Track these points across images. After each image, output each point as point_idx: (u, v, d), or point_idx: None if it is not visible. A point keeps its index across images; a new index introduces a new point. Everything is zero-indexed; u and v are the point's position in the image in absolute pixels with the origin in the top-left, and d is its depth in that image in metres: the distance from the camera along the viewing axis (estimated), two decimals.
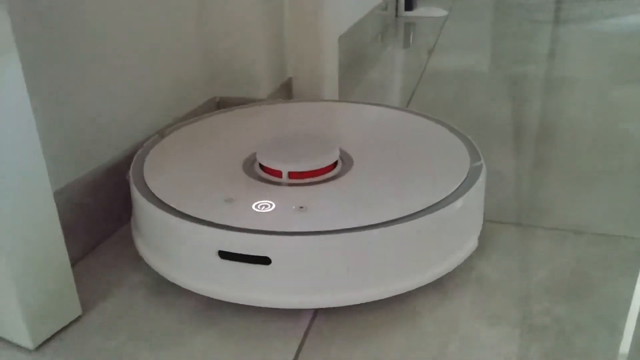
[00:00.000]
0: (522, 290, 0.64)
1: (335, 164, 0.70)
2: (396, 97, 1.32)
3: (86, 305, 0.63)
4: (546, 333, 0.58)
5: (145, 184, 0.66)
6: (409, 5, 2.19)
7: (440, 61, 1.58)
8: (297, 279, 0.57)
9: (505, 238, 0.74)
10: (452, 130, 0.80)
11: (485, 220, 0.73)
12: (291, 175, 0.67)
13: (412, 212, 0.59)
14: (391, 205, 0.61)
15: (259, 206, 0.61)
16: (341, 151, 0.73)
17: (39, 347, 0.58)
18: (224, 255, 0.57)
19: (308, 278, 0.57)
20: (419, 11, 2.21)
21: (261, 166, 0.69)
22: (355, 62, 1.60)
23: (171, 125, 0.88)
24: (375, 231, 0.57)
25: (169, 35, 0.90)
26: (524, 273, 0.67)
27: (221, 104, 1.06)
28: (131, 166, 0.71)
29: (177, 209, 0.60)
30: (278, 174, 0.67)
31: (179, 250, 0.60)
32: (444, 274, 0.63)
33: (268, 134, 0.79)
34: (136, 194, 0.64)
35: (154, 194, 0.64)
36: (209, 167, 0.70)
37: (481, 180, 0.67)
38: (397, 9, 2.18)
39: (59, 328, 0.60)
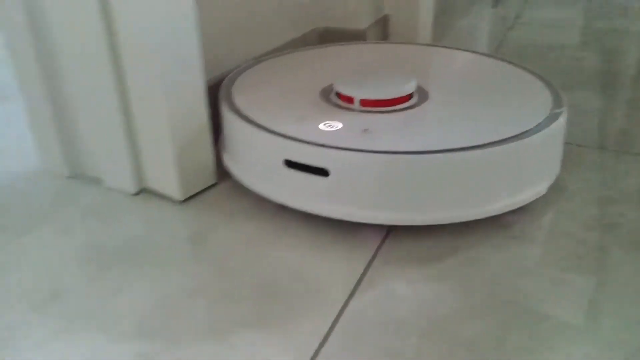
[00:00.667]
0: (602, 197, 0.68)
1: (410, 97, 0.71)
2: (485, 43, 1.36)
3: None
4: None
5: (232, 100, 0.72)
6: None
7: (531, 15, 1.58)
8: (351, 193, 0.60)
9: (589, 159, 0.79)
10: (535, 74, 0.79)
11: (569, 144, 0.79)
12: (363, 102, 0.69)
13: (478, 143, 0.59)
14: (457, 135, 0.62)
15: (326, 125, 0.65)
16: (419, 88, 0.74)
17: (184, 201, 0.70)
18: (289, 164, 0.62)
19: (362, 193, 0.60)
20: None
21: (337, 94, 0.72)
22: (446, 11, 1.62)
23: (270, 53, 0.95)
24: (430, 156, 0.58)
25: None
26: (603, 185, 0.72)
27: (323, 35, 1.11)
28: (222, 84, 0.77)
29: (255, 120, 0.66)
30: (350, 100, 0.70)
31: (250, 156, 0.67)
32: (502, 211, 0.63)
33: (351, 68, 0.84)
34: (223, 107, 0.71)
35: (237, 108, 0.70)
36: (290, 92, 0.75)
37: (561, 122, 0.66)
38: None
39: (200, 189, 0.73)
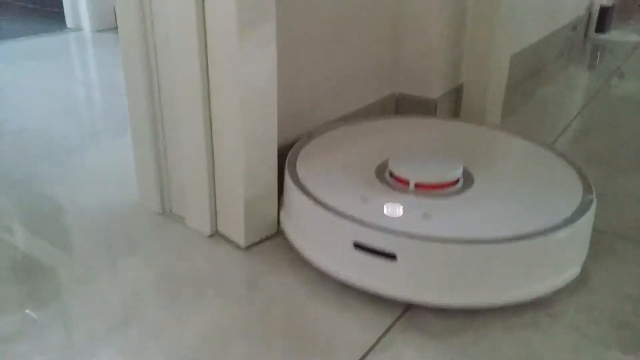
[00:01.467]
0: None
1: (458, 180, 0.79)
2: (560, 115, 1.38)
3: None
4: None
5: (296, 172, 0.82)
6: (601, 28, 2.10)
7: (621, 87, 1.58)
8: (416, 276, 0.68)
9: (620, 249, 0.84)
10: (571, 163, 0.86)
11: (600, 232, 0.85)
12: (417, 185, 0.77)
13: (525, 232, 0.67)
14: (506, 223, 0.70)
15: (389, 208, 0.73)
16: (465, 169, 0.82)
17: (248, 247, 0.82)
18: (358, 246, 0.69)
19: (425, 277, 0.67)
20: (611, 35, 2.12)
21: (391, 174, 0.80)
22: (530, 78, 1.66)
23: (346, 117, 1.08)
24: (493, 246, 0.66)
25: (364, 27, 1.07)
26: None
27: (399, 100, 1.22)
28: (290, 152, 0.88)
29: (320, 199, 0.75)
30: (405, 182, 0.78)
31: (318, 234, 0.75)
32: (543, 294, 0.70)
33: (402, 145, 0.93)
34: (287, 177, 0.81)
35: (301, 182, 0.79)
36: (349, 167, 0.84)
37: (589, 214, 0.73)
38: (587, 30, 2.11)
39: (262, 238, 0.84)
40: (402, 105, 1.22)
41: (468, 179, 0.81)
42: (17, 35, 2.11)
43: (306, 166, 0.84)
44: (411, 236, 0.66)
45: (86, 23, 2.22)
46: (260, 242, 0.84)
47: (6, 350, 0.63)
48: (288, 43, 0.90)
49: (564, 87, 1.62)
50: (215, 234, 0.86)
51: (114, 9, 2.25)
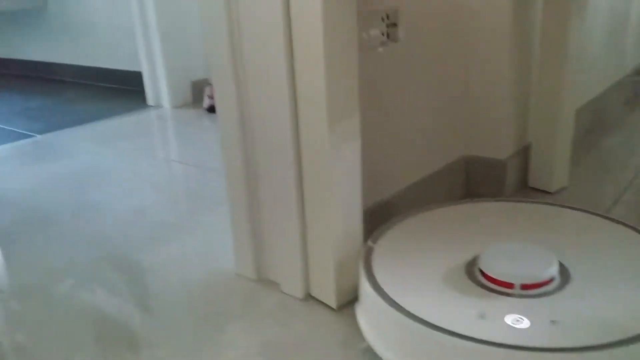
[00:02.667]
0: None
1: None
2: (626, 167, 1.40)
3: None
4: None
5: (373, 273, 0.77)
6: None
7: None
8: None
9: None
10: None
11: None
12: (523, 286, 0.72)
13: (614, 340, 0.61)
14: (624, 324, 0.65)
15: (514, 321, 0.67)
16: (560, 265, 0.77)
17: (339, 308, 0.88)
18: None
19: None
20: None
21: (482, 273, 0.75)
22: (596, 126, 1.70)
23: (420, 182, 1.15)
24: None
25: (433, 94, 1.16)
26: None
27: (469, 162, 1.28)
28: (361, 249, 0.86)
29: (418, 315, 0.68)
30: (509, 285, 0.72)
31: (419, 353, 0.68)
32: None
33: (488, 236, 0.87)
34: (363, 279, 0.76)
35: (382, 289, 0.74)
36: (434, 268, 0.78)
37: None
38: None
39: (352, 298, 0.88)
40: (472, 168, 1.28)
41: (564, 277, 0.75)
42: (103, 117, 2.32)
43: (384, 266, 0.80)
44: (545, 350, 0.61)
45: (166, 100, 2.41)
46: (350, 302, 0.90)
47: None
48: (363, 114, 0.99)
49: (629, 136, 1.64)
50: (308, 297, 0.93)
51: (191, 84, 2.46)
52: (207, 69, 2.47)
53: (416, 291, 0.74)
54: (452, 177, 1.26)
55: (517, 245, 0.79)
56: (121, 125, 2.19)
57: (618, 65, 1.85)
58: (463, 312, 0.69)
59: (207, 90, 2.30)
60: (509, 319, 0.66)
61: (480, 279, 0.75)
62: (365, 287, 0.77)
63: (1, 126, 2.29)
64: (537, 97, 1.27)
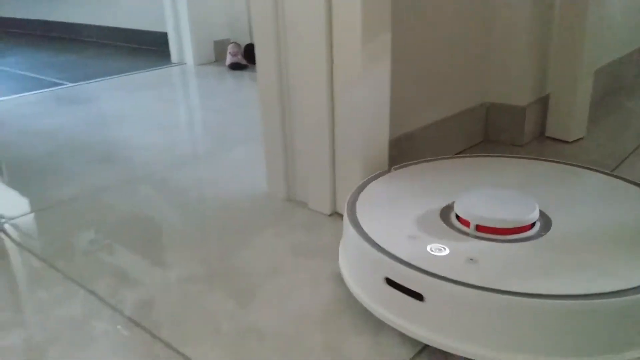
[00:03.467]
0: None
1: (531, 226, 0.70)
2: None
3: None
4: None
5: (355, 210, 0.77)
6: None
7: None
8: (443, 321, 0.61)
9: None
10: None
11: None
12: (479, 228, 0.70)
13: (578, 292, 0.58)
14: (563, 279, 0.60)
15: (433, 248, 0.67)
16: (542, 213, 0.73)
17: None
18: (389, 281, 0.65)
19: (452, 323, 0.61)
20: None
21: (456, 215, 0.73)
22: (615, 89, 1.74)
23: (441, 121, 1.16)
24: (523, 300, 0.57)
25: (457, 39, 1.20)
26: None
27: (490, 109, 1.33)
28: (352, 193, 0.82)
29: (368, 233, 0.71)
30: (466, 224, 0.71)
31: (356, 265, 0.72)
32: None
33: (474, 184, 0.84)
34: (345, 218, 0.76)
35: (358, 221, 0.74)
36: (412, 209, 0.77)
37: None
38: None
39: None
40: (492, 114, 1.33)
41: (545, 225, 0.71)
42: (127, 71, 2.38)
43: (366, 204, 0.79)
44: (440, 278, 0.61)
45: (189, 58, 2.47)
46: None
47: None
48: (394, 50, 1.04)
49: None
50: (334, 214, 0.99)
51: (214, 43, 2.50)
52: (230, 29, 2.52)
53: (381, 220, 0.74)
54: (472, 121, 1.31)
55: (500, 193, 0.76)
56: (145, 78, 2.25)
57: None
58: (406, 239, 0.69)
59: (229, 48, 2.35)
60: (430, 247, 0.67)
61: (452, 220, 0.73)
62: (345, 218, 0.76)
63: (34, 75, 2.36)
64: (557, 48, 1.31)
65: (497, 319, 0.59)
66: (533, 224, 0.70)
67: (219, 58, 2.51)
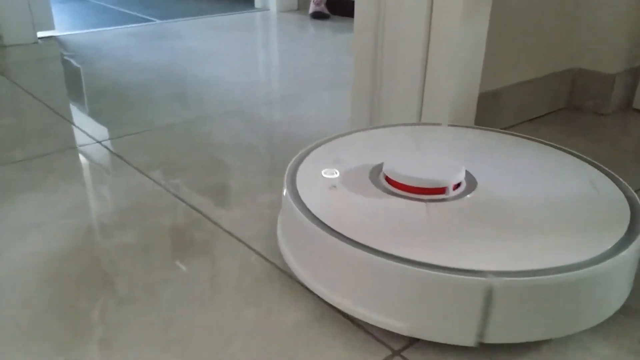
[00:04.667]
0: None
1: (453, 189, 0.69)
2: None
3: None
4: None
5: (297, 163, 0.77)
6: None
7: None
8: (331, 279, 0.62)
9: None
10: (600, 170, 0.75)
11: None
12: (396, 185, 0.69)
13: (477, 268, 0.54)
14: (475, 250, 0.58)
15: (325, 172, 0.73)
16: (470, 179, 0.72)
17: None
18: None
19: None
20: None
21: (384, 175, 0.72)
22: None
23: (527, 82, 1.15)
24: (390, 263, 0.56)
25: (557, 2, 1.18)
26: None
27: (577, 75, 1.31)
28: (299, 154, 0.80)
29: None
30: (389, 181, 0.71)
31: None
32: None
33: (403, 149, 0.82)
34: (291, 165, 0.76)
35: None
36: (345, 165, 0.76)
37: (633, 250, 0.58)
38: None
39: None
40: (579, 80, 1.31)
41: (470, 186, 0.70)
42: (212, 12, 2.45)
43: (309, 161, 0.78)
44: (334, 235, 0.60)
45: (272, 4, 2.51)
46: None
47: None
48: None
49: None
50: None
51: None
52: None
53: (312, 181, 0.73)
54: (558, 85, 1.30)
55: (427, 157, 0.77)
56: (230, 20, 2.31)
57: None
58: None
59: None
60: (324, 171, 0.73)
61: (380, 180, 0.72)
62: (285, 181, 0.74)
63: (124, 10, 2.47)
64: None
65: (364, 276, 0.58)
66: (455, 187, 0.68)
67: (301, 6, 2.54)
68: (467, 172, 0.72)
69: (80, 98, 1.36)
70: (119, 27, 2.14)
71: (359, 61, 1.06)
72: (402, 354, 0.58)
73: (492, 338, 0.56)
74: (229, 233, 0.80)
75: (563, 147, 0.82)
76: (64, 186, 0.92)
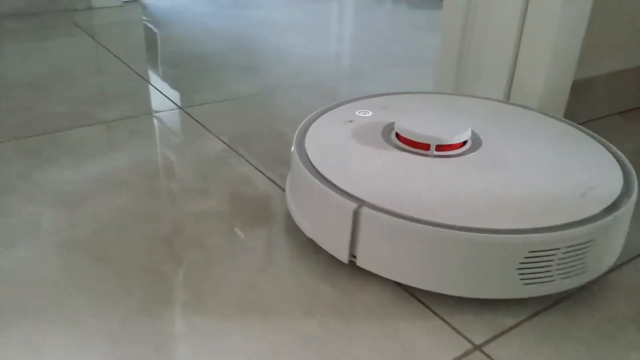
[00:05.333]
0: None
1: (461, 145, 0.72)
2: None
3: None
4: None
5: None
6: None
7: None
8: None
9: None
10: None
11: None
12: (406, 142, 0.73)
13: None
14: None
15: (360, 112, 0.81)
16: (477, 139, 0.75)
17: None
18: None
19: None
20: None
21: (396, 132, 0.75)
22: None
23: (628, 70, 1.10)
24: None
25: None
26: None
27: None
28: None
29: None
30: (400, 138, 0.74)
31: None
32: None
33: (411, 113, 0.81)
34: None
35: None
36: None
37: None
38: None
39: None
40: None
41: (475, 145, 0.73)
42: None
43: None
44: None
45: None
46: None
47: None
48: None
49: None
50: None
51: None
52: None
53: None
54: None
55: (437, 118, 0.77)
56: None
57: None
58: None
59: None
60: (360, 112, 0.81)
61: (393, 137, 0.75)
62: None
63: None
64: None
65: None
66: (461, 145, 0.72)
67: None
68: (476, 135, 0.76)
69: (161, 63, 1.39)
70: None
71: (447, 34, 1.03)
72: (483, 348, 0.57)
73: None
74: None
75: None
76: (148, 148, 0.95)
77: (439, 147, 0.71)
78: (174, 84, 1.24)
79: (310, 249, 0.70)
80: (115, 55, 1.42)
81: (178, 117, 1.07)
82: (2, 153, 0.92)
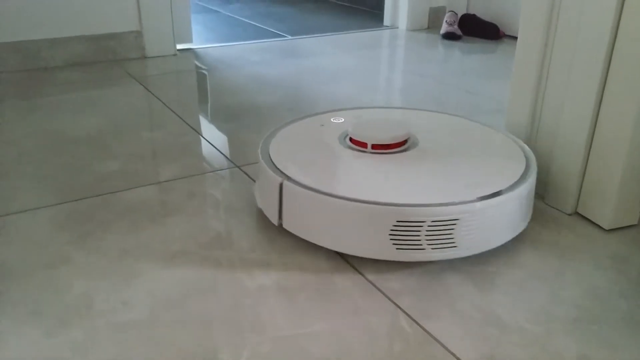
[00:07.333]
0: None
1: (401, 144, 0.89)
2: None
3: None
4: None
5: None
6: None
7: None
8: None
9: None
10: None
11: None
12: (356, 142, 0.89)
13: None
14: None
15: (335, 119, 1.01)
16: (413, 140, 0.92)
17: (609, 231, 0.87)
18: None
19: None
20: None
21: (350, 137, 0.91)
22: None
23: None
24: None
25: None
26: None
27: None
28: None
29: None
30: (353, 141, 0.90)
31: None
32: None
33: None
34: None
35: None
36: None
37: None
38: None
39: (626, 225, 0.89)
40: None
41: (412, 145, 0.90)
42: (341, 29, 2.42)
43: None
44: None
45: (402, 22, 2.44)
46: (621, 229, 0.87)
47: None
48: None
49: None
50: (575, 214, 0.92)
51: (429, 10, 2.45)
52: None
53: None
54: None
55: (382, 121, 0.95)
56: (359, 38, 2.27)
57: None
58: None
59: (446, 17, 2.28)
60: (335, 119, 1.01)
61: (346, 141, 0.92)
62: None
63: (257, 25, 2.51)
64: None
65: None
66: (398, 145, 0.88)
67: (431, 25, 2.46)
68: (416, 139, 0.92)
69: (215, 115, 1.37)
70: (251, 41, 2.17)
71: (522, 60, 0.96)
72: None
73: None
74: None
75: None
76: (206, 211, 0.91)
77: (376, 146, 0.87)
78: (229, 139, 1.22)
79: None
80: (168, 107, 1.41)
81: (234, 176, 1.04)
82: (56, 217, 0.89)
